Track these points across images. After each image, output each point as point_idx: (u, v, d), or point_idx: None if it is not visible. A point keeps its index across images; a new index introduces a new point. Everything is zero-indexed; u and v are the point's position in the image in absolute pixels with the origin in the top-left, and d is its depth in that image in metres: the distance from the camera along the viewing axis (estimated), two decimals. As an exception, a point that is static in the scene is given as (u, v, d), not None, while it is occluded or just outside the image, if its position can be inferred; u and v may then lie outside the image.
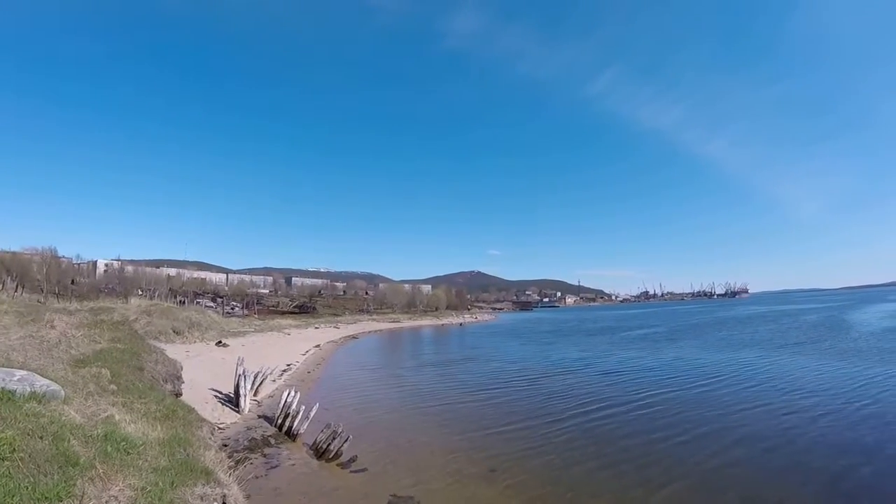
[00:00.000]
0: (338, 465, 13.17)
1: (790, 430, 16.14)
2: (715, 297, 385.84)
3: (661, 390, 23.63)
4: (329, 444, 13.68)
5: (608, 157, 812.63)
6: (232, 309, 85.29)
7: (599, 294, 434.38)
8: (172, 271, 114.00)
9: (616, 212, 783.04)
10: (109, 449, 7.53)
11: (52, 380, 9.62)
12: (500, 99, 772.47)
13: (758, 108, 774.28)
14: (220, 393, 20.86)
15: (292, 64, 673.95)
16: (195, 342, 37.65)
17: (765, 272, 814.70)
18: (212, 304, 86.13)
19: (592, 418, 18.65)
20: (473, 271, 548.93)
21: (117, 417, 9.36)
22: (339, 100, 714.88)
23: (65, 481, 5.95)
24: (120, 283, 69.29)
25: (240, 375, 20.17)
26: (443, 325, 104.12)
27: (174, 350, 28.05)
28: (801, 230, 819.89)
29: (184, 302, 71.60)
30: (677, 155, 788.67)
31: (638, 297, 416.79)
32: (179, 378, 17.96)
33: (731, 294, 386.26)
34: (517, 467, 12.94)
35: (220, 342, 39.26)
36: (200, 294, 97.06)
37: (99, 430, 8.16)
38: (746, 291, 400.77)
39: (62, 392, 9.23)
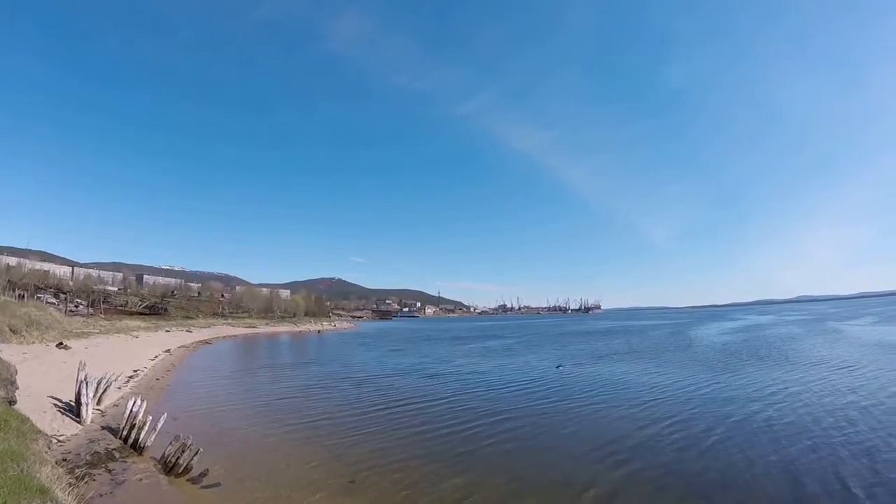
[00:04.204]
0: (188, 480, 12.19)
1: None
2: (569, 311, 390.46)
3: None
4: (178, 457, 12.54)
5: (462, 165, 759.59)
6: (76, 307, 73.39)
7: (459, 306, 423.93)
8: (13, 260, 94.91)
9: (477, 223, 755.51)
10: (-67, 465, 6.74)
11: None
12: (372, 108, 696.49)
13: (618, 142, 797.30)
14: (60, 401, 18.14)
15: (156, 36, 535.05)
16: (34, 343, 32.14)
17: (617, 290, 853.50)
18: (54, 300, 73.53)
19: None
20: (334, 278, 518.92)
21: (-59, 430, 8.26)
22: (202, 84, 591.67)
23: None
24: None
25: (82, 382, 17.72)
26: (300, 332, 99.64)
27: (10, 351, 23.94)
28: (652, 254, 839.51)
29: (23, 296, 60.77)
30: (542, 178, 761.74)
31: (496, 309, 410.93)
32: (14, 383, 15.50)
33: (585, 309, 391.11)
34: (373, 473, 12.91)
35: (61, 343, 33.88)
36: (42, 288, 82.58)
37: (-80, 445, 7.23)
38: (599, 307, 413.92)
39: None
